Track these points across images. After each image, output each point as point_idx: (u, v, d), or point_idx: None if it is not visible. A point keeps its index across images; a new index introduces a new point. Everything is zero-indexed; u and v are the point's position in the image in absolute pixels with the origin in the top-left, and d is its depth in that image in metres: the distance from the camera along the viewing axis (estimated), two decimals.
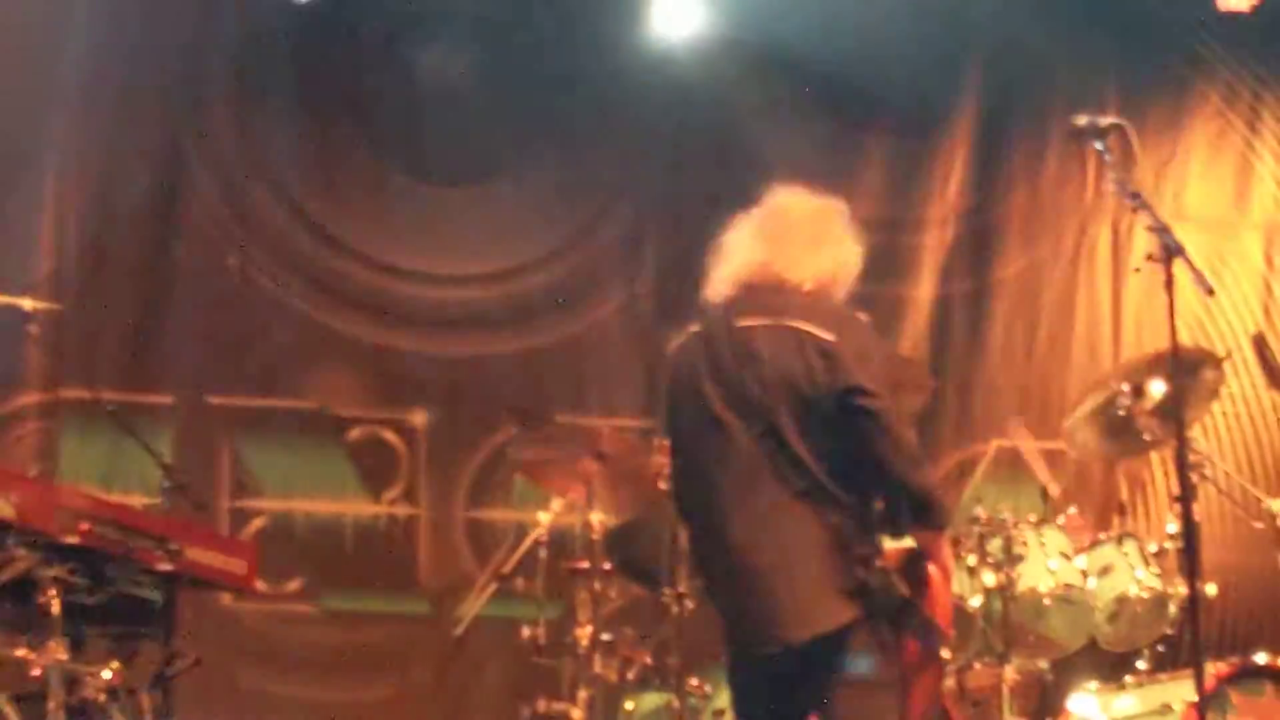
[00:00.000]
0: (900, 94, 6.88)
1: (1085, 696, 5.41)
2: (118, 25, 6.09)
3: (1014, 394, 7.15)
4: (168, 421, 6.35)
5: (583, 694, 5.37)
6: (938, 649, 3.74)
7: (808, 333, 3.46)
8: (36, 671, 4.41)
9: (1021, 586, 5.30)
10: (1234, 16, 6.88)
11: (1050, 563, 5.42)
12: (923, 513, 3.47)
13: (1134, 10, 7.01)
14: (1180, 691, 5.02)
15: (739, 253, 3.67)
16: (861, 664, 3.38)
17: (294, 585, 6.47)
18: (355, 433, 6.65)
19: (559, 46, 6.53)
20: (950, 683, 5.32)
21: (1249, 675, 5.16)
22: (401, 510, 6.69)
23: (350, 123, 6.48)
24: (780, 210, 3.72)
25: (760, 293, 3.59)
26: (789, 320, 3.52)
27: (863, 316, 3.65)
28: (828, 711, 3.47)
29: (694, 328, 3.62)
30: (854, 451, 3.46)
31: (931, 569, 3.59)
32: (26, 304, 5.25)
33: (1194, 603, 3.91)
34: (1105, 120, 3.91)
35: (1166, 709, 5.12)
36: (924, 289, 7.11)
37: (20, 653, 4.44)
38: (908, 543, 3.54)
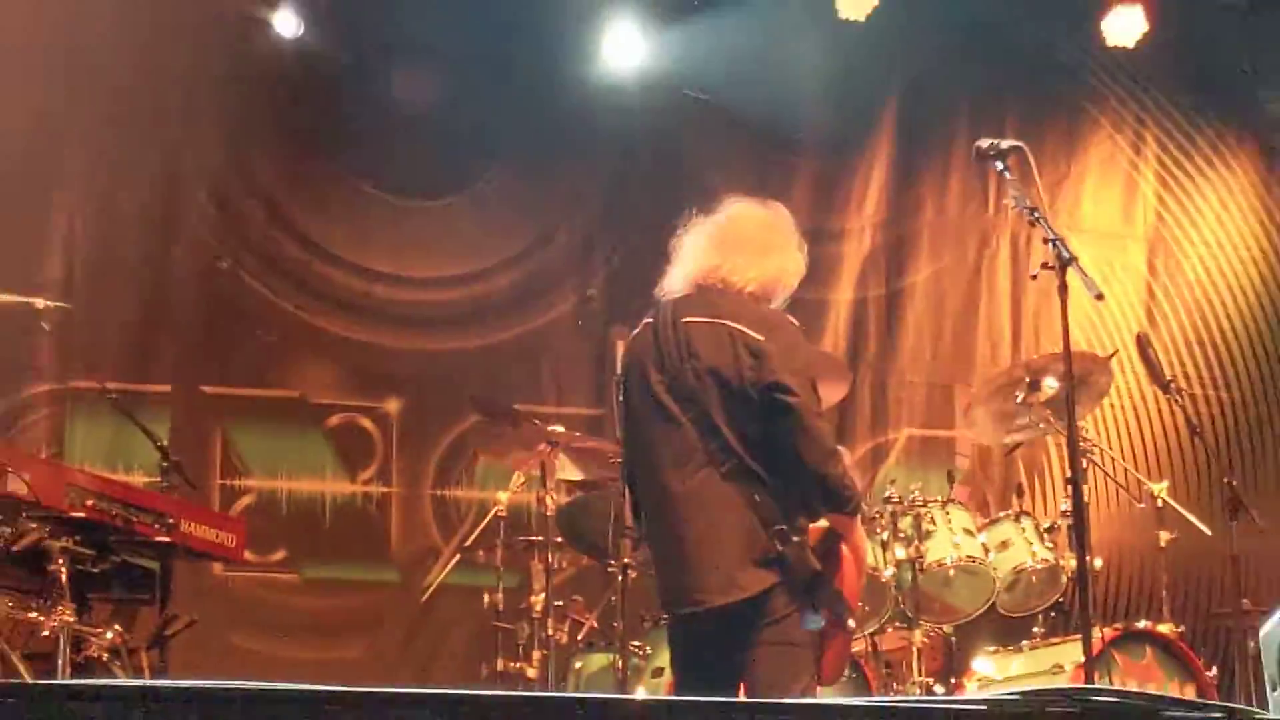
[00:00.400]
0: (824, 122, 7.37)
1: (985, 658, 5.79)
2: (122, 54, 6.41)
3: (922, 388, 7.65)
4: (165, 409, 6.70)
5: (537, 654, 5.72)
6: (845, 619, 4.00)
7: (740, 331, 3.68)
8: (46, 632, 4.73)
9: (929, 559, 5.58)
10: (1120, 51, 7.41)
11: (955, 538, 5.69)
12: (834, 499, 3.71)
13: (1031, 45, 7.56)
14: (1070, 653, 5.41)
15: (692, 256, 3.91)
16: (812, 621, 3.73)
17: (279, 556, 6.85)
18: (334, 419, 7.05)
19: (519, 77, 6.92)
20: (865, 645, 5.69)
21: (1131, 639, 5.57)
22: (375, 489, 7.07)
23: (331, 143, 6.85)
24: (733, 220, 3.98)
25: (707, 293, 3.80)
26: (726, 320, 3.72)
27: (792, 320, 3.90)
28: (753, 668, 3.74)
29: (647, 319, 3.84)
30: (776, 440, 3.73)
31: (844, 549, 3.89)
32: (39, 303, 5.54)
33: (1083, 574, 4.25)
34: (1006, 143, 4.18)
35: (1058, 669, 5.47)
36: (843, 293, 7.57)
37: (32, 615, 4.76)
38: (824, 524, 3.79)
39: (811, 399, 3.80)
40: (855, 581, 4.16)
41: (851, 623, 4.35)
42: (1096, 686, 4.51)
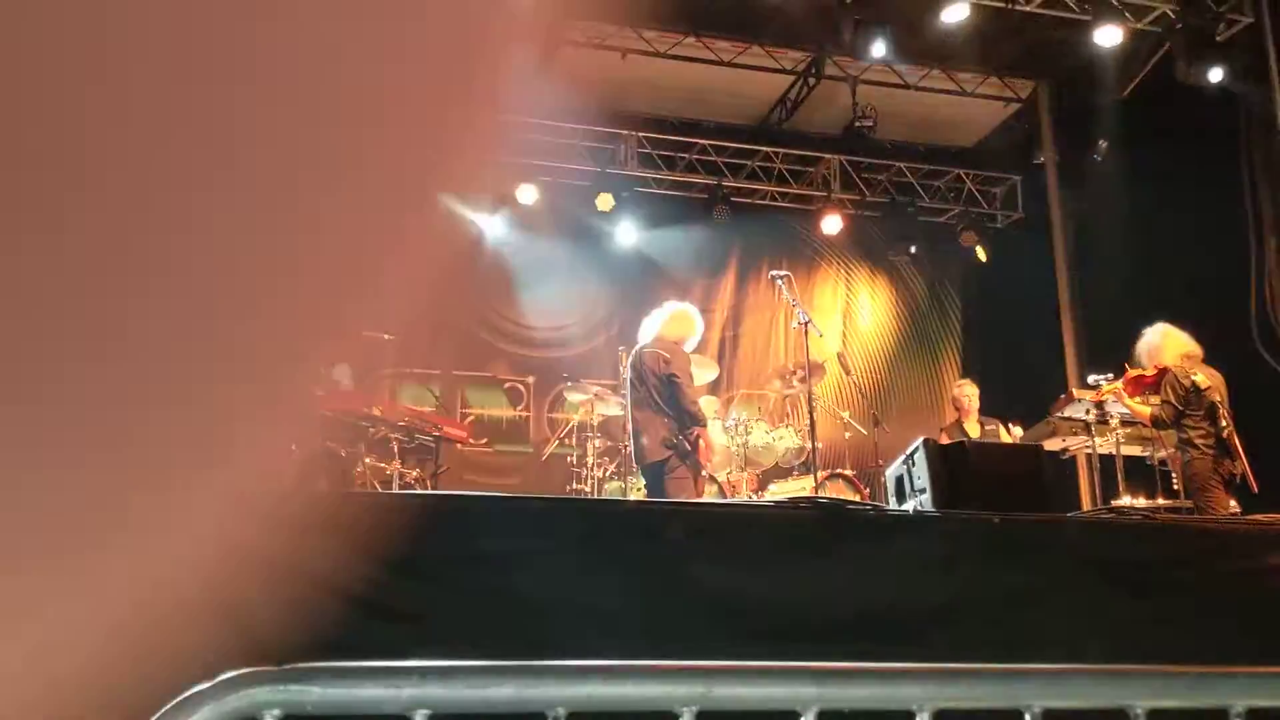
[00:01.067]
0: (706, 268, 12.42)
1: (774, 485, 8.65)
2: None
3: (749, 372, 11.92)
4: (438, 380, 10.81)
5: (589, 482, 8.29)
6: (699, 472, 6.32)
7: (660, 353, 6.32)
8: (389, 472, 7.15)
9: (752, 443, 8.24)
10: (830, 235, 12.32)
11: (763, 434, 8.45)
12: (692, 420, 6.18)
13: (791, 233, 12.67)
14: (807, 484, 7.88)
15: (649, 325, 6.61)
16: (690, 468, 6.18)
17: (483, 441, 10.57)
18: (506, 384, 11.20)
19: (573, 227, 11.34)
20: (726, 479, 7.87)
21: (834, 477, 8.24)
22: (523, 413, 11.16)
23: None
24: (668, 310, 6.73)
25: (656, 341, 6.39)
26: (658, 349, 6.35)
27: (685, 351, 6.50)
28: (668, 488, 6.10)
29: (633, 349, 6.46)
30: (672, 397, 6.20)
31: (701, 441, 6.26)
32: (385, 336, 10.59)
33: (813, 450, 7.06)
34: (783, 272, 7.14)
35: (802, 488, 7.97)
36: (714, 333, 11.72)
37: (381, 465, 7.14)
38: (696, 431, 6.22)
39: (687, 381, 6.29)
40: (707, 454, 6.40)
41: (705, 472, 6.48)
42: (818, 496, 6.52)
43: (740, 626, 2.98)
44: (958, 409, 9.27)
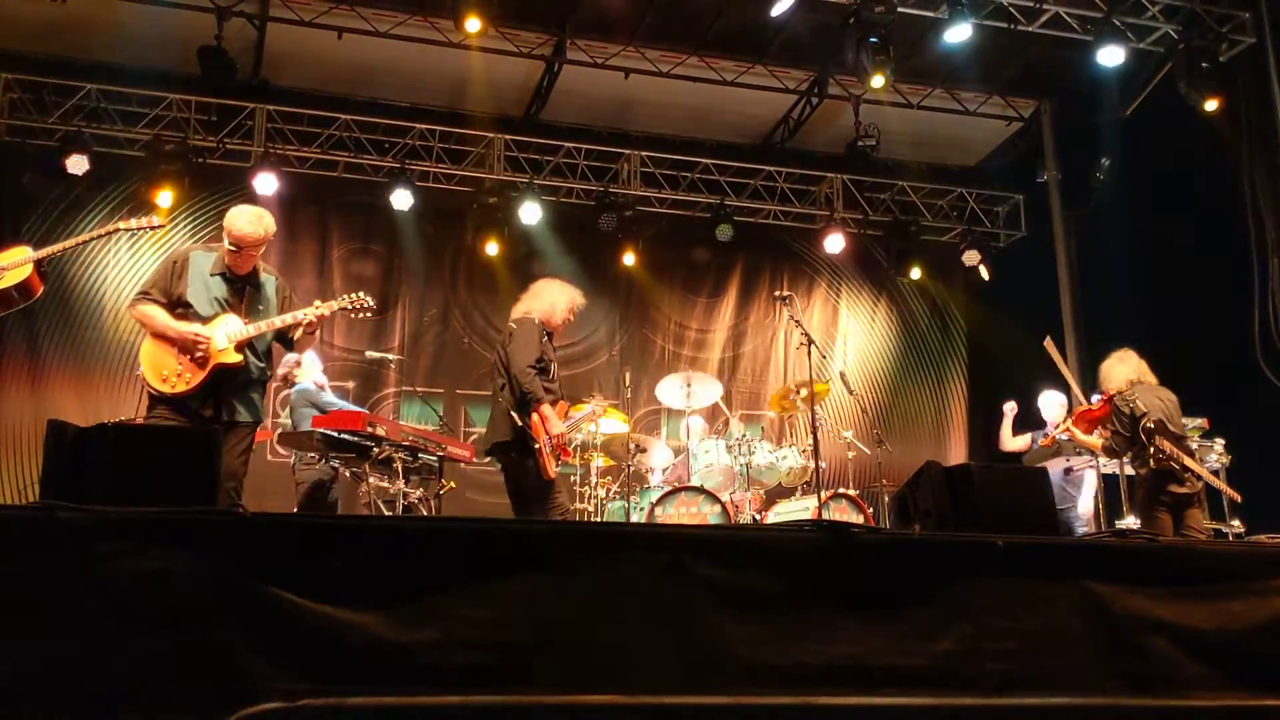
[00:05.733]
0: (708, 281, 12.65)
1: (779, 504, 8.66)
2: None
3: (748, 393, 12.31)
4: (442, 398, 11.29)
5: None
6: (535, 446, 6.15)
7: (509, 326, 6.35)
8: (393, 491, 7.43)
9: (755, 463, 8.47)
10: (832, 255, 12.43)
11: (767, 453, 8.66)
12: (528, 397, 6.09)
13: (792, 250, 12.80)
14: (811, 503, 7.82)
15: (521, 300, 6.47)
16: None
17: (486, 459, 8.48)
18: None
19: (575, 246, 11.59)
20: (730, 499, 8.23)
21: (837, 497, 8.19)
22: None
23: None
24: (537, 285, 6.62)
25: (519, 317, 6.36)
26: (510, 322, 6.34)
27: (546, 321, 6.39)
28: (512, 470, 6.12)
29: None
30: (507, 372, 6.08)
31: (534, 418, 6.15)
32: (391, 356, 10.15)
33: (816, 471, 7.35)
34: (786, 293, 7.63)
35: (805, 507, 8.07)
36: (715, 353, 12.41)
37: (385, 484, 7.52)
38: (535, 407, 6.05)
39: (521, 353, 6.20)
40: (539, 429, 6.21)
41: (537, 446, 6.18)
42: (821, 519, 6.63)
43: None
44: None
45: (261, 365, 5.61)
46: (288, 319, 5.55)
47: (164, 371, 5.31)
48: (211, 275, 5.50)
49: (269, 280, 5.74)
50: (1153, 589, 3.59)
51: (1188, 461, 6.87)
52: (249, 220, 5.44)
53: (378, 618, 2.99)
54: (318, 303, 5.63)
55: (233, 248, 5.44)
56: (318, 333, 5.70)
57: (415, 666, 2.98)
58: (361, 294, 5.82)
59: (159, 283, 5.49)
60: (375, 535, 3.15)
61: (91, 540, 2.87)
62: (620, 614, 3.14)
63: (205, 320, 5.43)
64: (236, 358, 5.36)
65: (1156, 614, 3.56)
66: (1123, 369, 7.30)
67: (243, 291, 5.56)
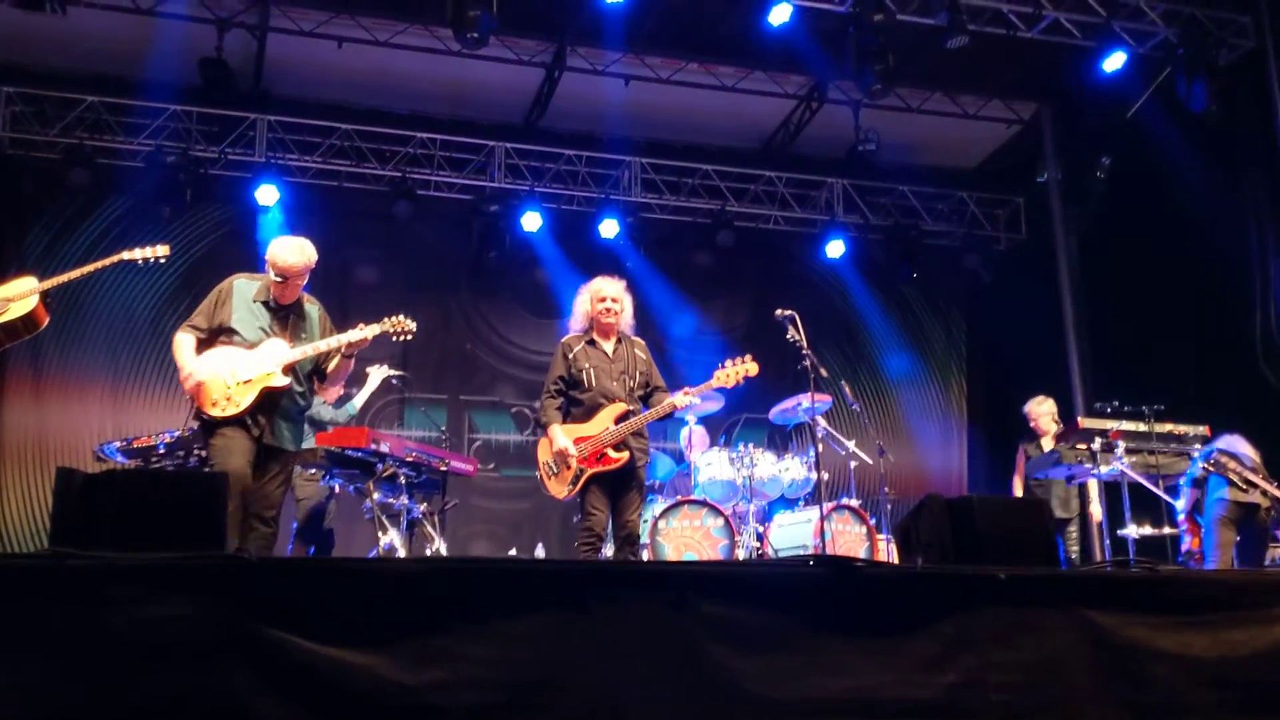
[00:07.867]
0: (709, 286, 12.77)
1: (781, 515, 8.60)
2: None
3: (750, 402, 10.92)
4: (444, 407, 11.50)
5: None
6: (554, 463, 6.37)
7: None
8: (397, 507, 7.34)
9: (758, 474, 8.44)
10: (833, 260, 12.39)
11: (770, 465, 8.61)
12: (538, 421, 6.46)
13: (792, 252, 12.89)
14: (814, 514, 7.90)
15: None
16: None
17: (491, 466, 11.29)
18: (513, 409, 11.86)
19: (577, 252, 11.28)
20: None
21: (840, 509, 8.18)
22: (528, 438, 11.54)
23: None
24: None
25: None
26: None
27: (563, 341, 6.61)
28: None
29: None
30: None
31: (545, 439, 6.43)
32: (394, 372, 9.52)
33: (818, 482, 7.73)
34: (788, 311, 6.98)
35: (809, 519, 8.10)
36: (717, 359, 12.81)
37: (389, 501, 7.39)
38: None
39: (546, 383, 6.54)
40: (548, 448, 6.49)
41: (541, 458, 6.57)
42: (820, 554, 6.46)
43: None
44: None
45: (302, 390, 5.76)
46: (331, 343, 5.70)
47: (214, 396, 5.48)
48: (255, 302, 5.68)
49: (312, 308, 5.91)
50: (1154, 618, 3.63)
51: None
52: (292, 251, 5.60)
53: (384, 659, 3.03)
54: (361, 325, 5.77)
55: (279, 279, 5.62)
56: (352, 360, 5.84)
57: (422, 706, 3.03)
58: (402, 317, 5.89)
59: (204, 311, 5.68)
60: (379, 577, 3.19)
61: (101, 586, 2.91)
62: (625, 652, 3.16)
63: (251, 346, 5.59)
64: (284, 381, 5.51)
65: (1158, 643, 3.60)
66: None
67: (287, 319, 5.73)
